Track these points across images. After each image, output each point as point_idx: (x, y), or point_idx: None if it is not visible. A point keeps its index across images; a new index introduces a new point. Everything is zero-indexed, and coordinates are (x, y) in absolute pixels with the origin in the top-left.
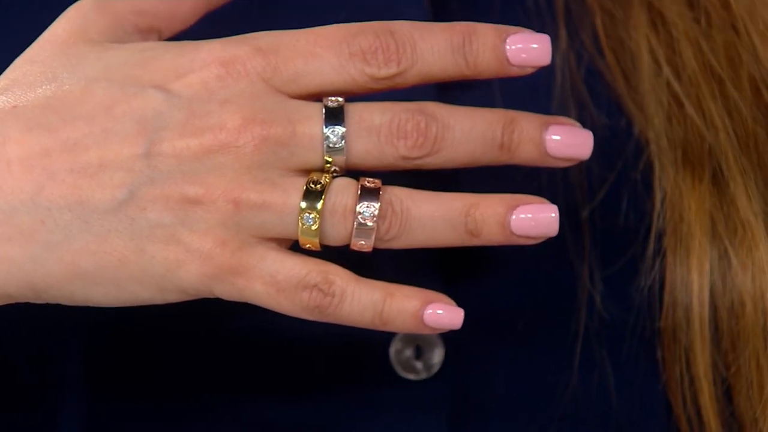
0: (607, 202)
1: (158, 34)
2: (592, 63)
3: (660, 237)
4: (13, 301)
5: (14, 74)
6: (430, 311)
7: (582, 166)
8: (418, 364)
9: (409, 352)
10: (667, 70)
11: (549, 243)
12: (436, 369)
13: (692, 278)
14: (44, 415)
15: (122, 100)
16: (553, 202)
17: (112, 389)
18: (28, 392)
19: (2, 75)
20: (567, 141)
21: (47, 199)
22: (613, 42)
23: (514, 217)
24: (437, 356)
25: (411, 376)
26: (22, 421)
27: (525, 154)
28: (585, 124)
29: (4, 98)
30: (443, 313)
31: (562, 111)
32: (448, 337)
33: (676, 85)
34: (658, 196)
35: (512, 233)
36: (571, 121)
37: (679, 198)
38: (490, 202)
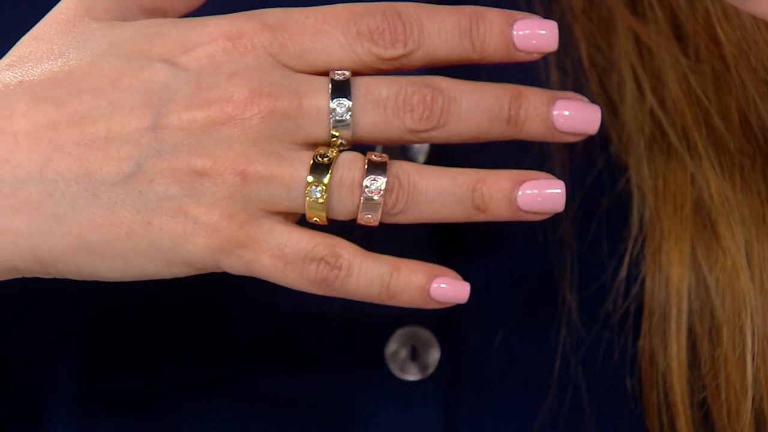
0: (584, 224)
1: (163, 14)
2: (578, 88)
3: (637, 263)
4: (20, 275)
5: (20, 51)
6: (436, 285)
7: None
8: (414, 366)
9: (404, 353)
10: (651, 99)
11: (536, 251)
12: (431, 370)
13: (671, 303)
14: (35, 392)
15: (129, 73)
16: (538, 223)
17: (106, 363)
18: (19, 370)
19: (9, 52)
20: (575, 116)
21: (54, 171)
22: (597, 70)
23: (520, 192)
24: (433, 357)
25: (407, 377)
26: (13, 396)
27: (532, 129)
28: (567, 148)
29: (11, 73)
30: (449, 288)
31: None
32: (444, 337)
33: (660, 114)
34: (636, 222)
35: (519, 209)
36: (579, 96)
37: (658, 224)
38: (497, 177)
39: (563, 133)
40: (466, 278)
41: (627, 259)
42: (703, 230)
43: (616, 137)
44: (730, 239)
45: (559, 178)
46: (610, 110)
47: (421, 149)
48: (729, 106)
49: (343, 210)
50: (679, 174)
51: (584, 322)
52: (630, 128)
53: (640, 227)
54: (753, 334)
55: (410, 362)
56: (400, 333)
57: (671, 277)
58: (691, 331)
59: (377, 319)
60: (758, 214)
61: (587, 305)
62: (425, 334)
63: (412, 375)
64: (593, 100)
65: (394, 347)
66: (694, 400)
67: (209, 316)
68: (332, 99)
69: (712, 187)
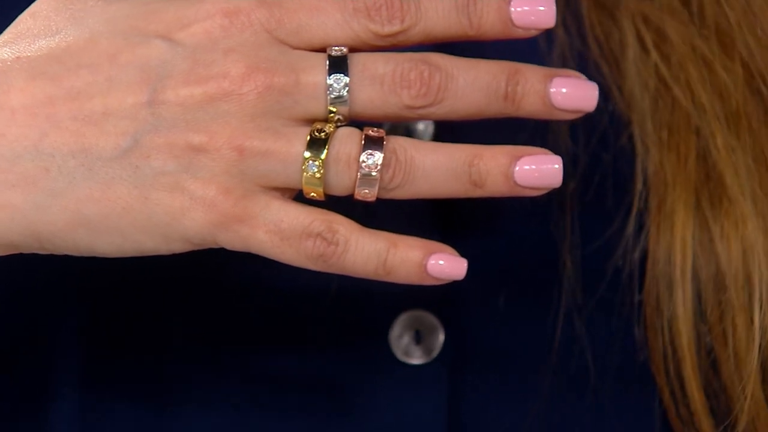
0: (588, 180)
1: None
2: (581, 47)
3: (641, 215)
4: (18, 251)
5: (17, 28)
6: (433, 261)
7: (566, 146)
8: (418, 350)
9: (408, 338)
10: (655, 55)
11: (535, 217)
12: (436, 353)
13: (675, 249)
14: (38, 370)
15: (126, 49)
16: None
17: (108, 340)
18: (21, 348)
19: (6, 29)
20: (572, 93)
21: (51, 146)
22: (600, 27)
23: (517, 168)
24: (437, 341)
25: (411, 361)
26: (17, 375)
27: (530, 106)
28: None
29: (8, 50)
30: (446, 264)
31: None
32: (448, 319)
33: (663, 69)
34: (640, 176)
35: (516, 184)
36: (576, 73)
37: (663, 177)
38: (494, 152)
39: (561, 110)
40: (466, 251)
41: (634, 212)
42: (707, 180)
43: (618, 93)
44: (735, 187)
45: (563, 141)
46: (613, 67)
47: (426, 132)
48: (732, 56)
49: (340, 185)
50: (683, 126)
51: (588, 281)
52: (633, 84)
53: (644, 181)
54: (760, 282)
55: (414, 346)
56: (403, 317)
57: (675, 225)
58: (695, 278)
59: (380, 304)
60: (764, 164)
61: (590, 265)
62: (429, 318)
63: (416, 359)
64: (595, 61)
65: (398, 332)
66: (702, 349)
67: (209, 295)
68: (329, 75)
69: (717, 138)
